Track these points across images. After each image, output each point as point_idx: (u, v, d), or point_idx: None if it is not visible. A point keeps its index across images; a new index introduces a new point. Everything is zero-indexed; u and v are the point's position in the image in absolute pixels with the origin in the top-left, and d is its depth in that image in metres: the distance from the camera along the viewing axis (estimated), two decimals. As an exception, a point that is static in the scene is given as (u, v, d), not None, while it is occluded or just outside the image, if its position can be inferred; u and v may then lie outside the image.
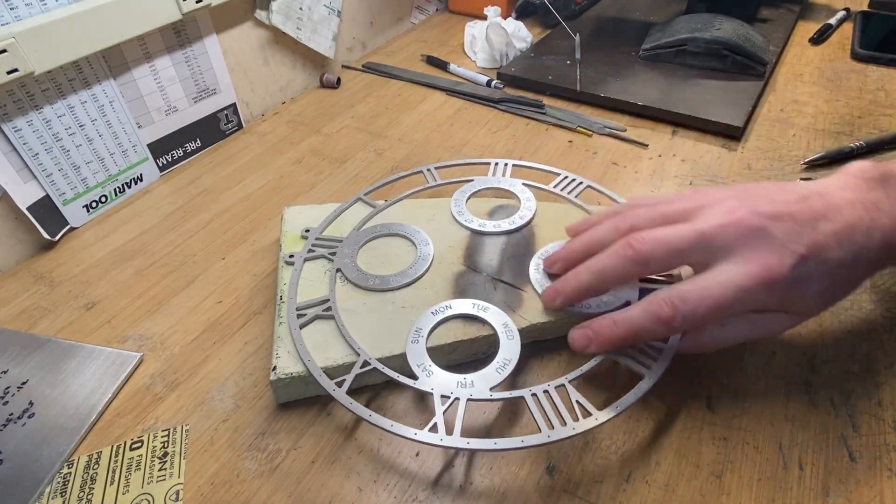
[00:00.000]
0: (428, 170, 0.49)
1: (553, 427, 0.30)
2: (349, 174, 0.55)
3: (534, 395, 0.31)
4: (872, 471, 0.30)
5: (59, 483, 0.31)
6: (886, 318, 0.38)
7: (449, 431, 0.30)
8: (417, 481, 0.31)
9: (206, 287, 0.44)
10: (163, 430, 0.34)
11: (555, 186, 0.46)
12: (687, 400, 0.34)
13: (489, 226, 0.42)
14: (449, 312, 0.36)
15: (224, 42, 0.59)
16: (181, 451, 0.33)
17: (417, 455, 0.32)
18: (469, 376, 0.32)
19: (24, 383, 0.36)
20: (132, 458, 0.33)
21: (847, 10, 0.81)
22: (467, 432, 0.31)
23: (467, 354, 0.36)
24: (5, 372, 0.37)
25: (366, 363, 0.33)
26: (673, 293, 0.30)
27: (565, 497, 0.30)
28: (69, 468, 0.32)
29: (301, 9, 0.65)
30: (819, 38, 0.75)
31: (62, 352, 0.38)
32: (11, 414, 0.35)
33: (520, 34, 0.74)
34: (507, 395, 0.32)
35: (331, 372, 0.34)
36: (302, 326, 0.36)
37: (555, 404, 0.31)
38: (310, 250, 0.41)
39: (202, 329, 0.40)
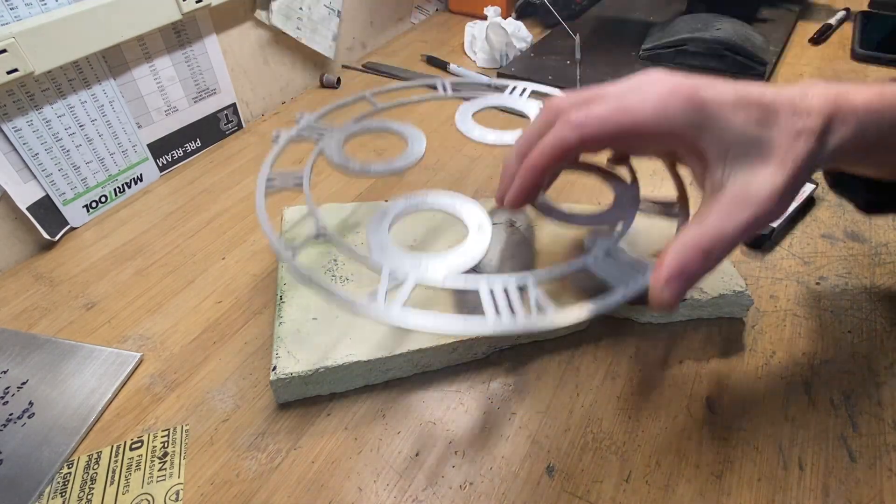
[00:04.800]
0: (443, 85, 0.46)
1: (502, 316, 0.26)
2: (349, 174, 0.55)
3: (491, 290, 0.27)
4: (872, 471, 0.30)
5: (59, 483, 0.31)
6: (886, 318, 0.38)
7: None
8: (417, 481, 0.31)
9: (206, 287, 0.44)
10: (163, 430, 0.34)
11: None
12: (687, 400, 0.34)
13: (490, 137, 0.40)
14: (424, 203, 0.33)
15: (224, 42, 0.59)
16: (181, 451, 0.33)
17: (417, 455, 0.32)
18: (427, 261, 0.29)
19: (24, 383, 0.36)
20: (132, 458, 0.33)
21: (847, 10, 0.81)
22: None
23: (467, 355, 0.37)
24: (5, 372, 0.37)
25: (323, 229, 0.31)
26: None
27: (565, 497, 0.30)
28: (69, 468, 0.32)
29: (301, 9, 0.65)
30: (819, 38, 0.75)
31: (62, 352, 0.38)
32: (11, 414, 0.35)
33: (520, 34, 0.74)
34: (460, 283, 0.28)
35: (329, 374, 0.34)
36: (268, 195, 0.34)
37: (510, 300, 0.27)
38: (298, 133, 0.39)
39: (202, 329, 0.40)
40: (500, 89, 0.46)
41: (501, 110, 0.45)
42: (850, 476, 0.30)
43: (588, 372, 0.36)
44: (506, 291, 0.28)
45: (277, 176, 0.35)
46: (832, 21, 0.78)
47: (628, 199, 0.34)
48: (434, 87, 0.46)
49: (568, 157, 0.29)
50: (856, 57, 0.70)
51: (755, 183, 0.26)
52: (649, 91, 0.27)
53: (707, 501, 0.30)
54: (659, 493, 0.30)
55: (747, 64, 0.64)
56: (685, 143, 0.28)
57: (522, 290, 0.28)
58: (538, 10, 0.82)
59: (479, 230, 0.32)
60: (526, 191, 0.30)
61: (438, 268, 0.29)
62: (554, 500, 0.30)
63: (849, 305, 0.39)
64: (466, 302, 0.37)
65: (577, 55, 0.69)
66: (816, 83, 0.28)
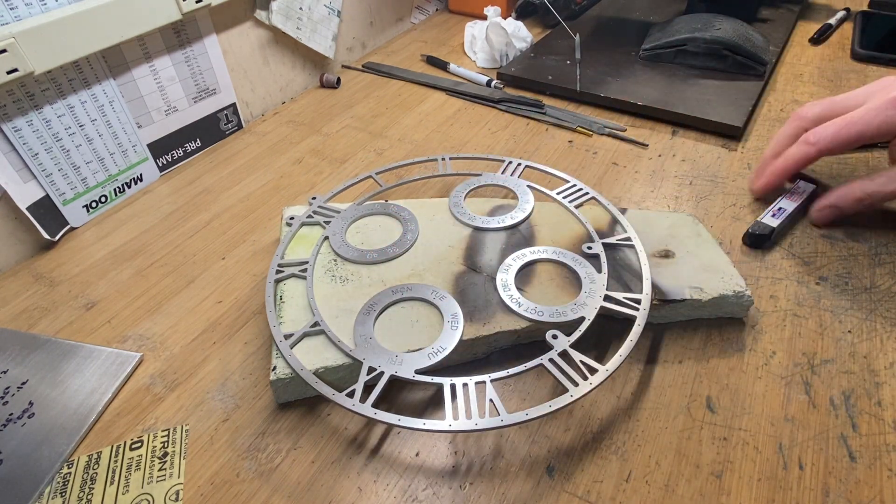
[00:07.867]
0: (442, 158, 0.50)
1: (458, 418, 0.30)
2: (349, 174, 0.55)
3: (452, 385, 0.32)
4: (872, 471, 0.30)
5: (59, 483, 0.32)
6: (886, 318, 0.38)
7: (363, 400, 0.31)
8: (417, 481, 0.31)
9: (206, 287, 0.44)
10: (163, 430, 0.34)
11: (558, 193, 0.46)
12: (687, 400, 0.34)
13: (479, 220, 0.43)
14: (407, 294, 0.37)
15: (224, 42, 0.59)
16: (181, 451, 0.33)
17: (417, 455, 0.32)
18: (403, 355, 0.33)
19: (24, 383, 0.36)
20: (132, 458, 0.33)
21: (847, 10, 0.81)
22: (385, 406, 0.33)
23: (467, 355, 0.37)
24: (5, 372, 0.37)
25: (316, 324, 0.36)
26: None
27: (565, 497, 0.30)
28: (69, 468, 0.32)
29: (301, 9, 0.66)
30: (819, 38, 0.75)
31: (62, 352, 0.38)
32: (11, 414, 0.35)
33: (520, 34, 0.74)
34: (427, 379, 0.32)
35: (329, 374, 0.34)
36: (277, 282, 0.39)
37: (469, 398, 0.31)
38: (309, 216, 0.44)
39: (202, 329, 0.40)
40: (497, 163, 0.49)
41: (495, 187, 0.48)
42: (850, 476, 0.30)
43: (588, 372, 0.36)
44: (465, 387, 0.32)
45: (286, 265, 0.40)
46: (832, 21, 0.78)
47: (592, 293, 0.37)
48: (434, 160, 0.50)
49: (808, 165, 0.43)
50: (856, 57, 0.70)
51: None
52: (874, 104, 0.37)
53: (707, 501, 0.30)
54: (659, 493, 0.30)
55: (747, 64, 0.64)
56: None
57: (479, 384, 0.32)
58: (538, 10, 0.82)
59: (452, 326, 0.35)
60: (771, 185, 0.45)
61: (410, 363, 0.33)
62: (554, 500, 0.30)
63: (849, 305, 0.39)
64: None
65: (577, 55, 0.69)
66: None
